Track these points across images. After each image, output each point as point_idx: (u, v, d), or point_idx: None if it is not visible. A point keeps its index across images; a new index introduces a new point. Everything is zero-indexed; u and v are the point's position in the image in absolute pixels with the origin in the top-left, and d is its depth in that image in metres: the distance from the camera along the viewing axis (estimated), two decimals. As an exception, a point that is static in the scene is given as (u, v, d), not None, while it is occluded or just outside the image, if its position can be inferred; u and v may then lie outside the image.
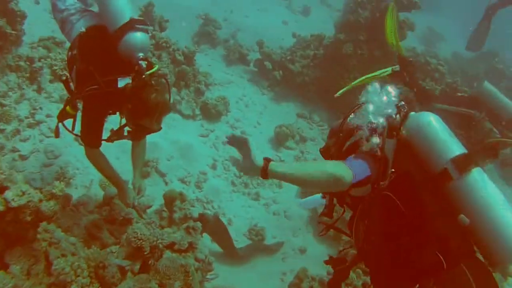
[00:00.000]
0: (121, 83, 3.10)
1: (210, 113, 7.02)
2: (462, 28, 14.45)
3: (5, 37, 5.39)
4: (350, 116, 2.32)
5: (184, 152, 6.18)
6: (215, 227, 4.85)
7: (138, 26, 3.16)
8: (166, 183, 5.65)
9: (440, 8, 16.36)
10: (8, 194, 2.83)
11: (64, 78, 3.38)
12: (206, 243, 4.78)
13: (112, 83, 3.10)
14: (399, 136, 2.12)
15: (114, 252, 3.37)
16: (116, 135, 3.38)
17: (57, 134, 3.52)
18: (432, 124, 2.12)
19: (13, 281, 2.82)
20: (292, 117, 7.89)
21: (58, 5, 3.49)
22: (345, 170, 1.95)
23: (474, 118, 4.75)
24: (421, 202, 2.01)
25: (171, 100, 3.35)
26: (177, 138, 6.33)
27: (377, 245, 2.10)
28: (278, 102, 8.20)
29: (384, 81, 2.28)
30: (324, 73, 8.09)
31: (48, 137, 5.10)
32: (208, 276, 4.02)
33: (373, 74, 2.80)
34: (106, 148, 3.40)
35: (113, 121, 3.47)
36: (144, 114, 3.04)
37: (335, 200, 2.42)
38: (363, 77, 3.19)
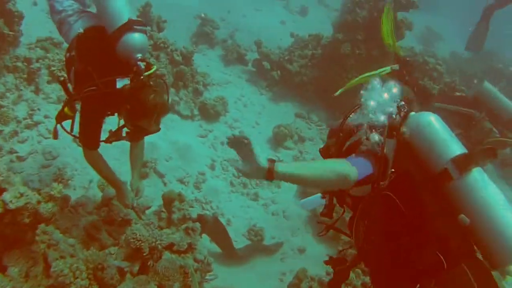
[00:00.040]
0: (120, 84, 3.09)
1: (209, 113, 7.02)
2: (460, 27, 14.48)
3: (2, 37, 5.38)
4: (351, 116, 2.32)
5: (182, 153, 6.17)
6: (214, 228, 4.84)
7: (136, 27, 3.15)
8: (165, 184, 5.65)
9: (438, 7, 16.39)
10: (6, 196, 2.83)
11: (62, 79, 3.37)
12: (205, 243, 4.78)
13: (110, 84, 3.09)
14: (399, 136, 2.12)
15: (113, 254, 3.37)
16: (115, 136, 3.37)
17: (55, 135, 3.51)
18: (432, 124, 2.12)
19: (11, 284, 2.81)
20: (290, 117, 7.89)
21: (56, 6, 3.47)
22: (350, 168, 1.94)
23: (474, 118, 4.75)
24: (421, 202, 2.00)
25: (169, 101, 3.35)
26: (175, 138, 6.32)
27: (377, 245, 2.10)
28: (276, 102, 8.19)
29: (383, 80, 2.27)
30: (322, 73, 8.09)
31: (46, 138, 5.09)
32: (207, 277, 4.02)
33: (372, 73, 2.80)
34: (105, 149, 3.39)
35: (112, 122, 3.46)
36: (143, 115, 3.03)
37: (335, 200, 2.41)
38: (362, 76, 3.19)
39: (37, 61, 5.62)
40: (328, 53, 8.07)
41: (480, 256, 2.03)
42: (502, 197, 1.98)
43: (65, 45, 3.53)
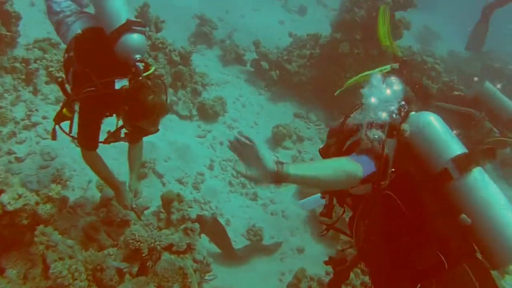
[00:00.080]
0: (118, 84, 3.08)
1: (207, 113, 7.01)
2: (458, 26, 14.51)
3: (0, 38, 5.36)
4: (351, 115, 2.31)
5: (181, 153, 6.16)
6: (213, 228, 4.84)
7: (135, 27, 3.14)
8: (164, 184, 5.64)
9: (436, 6, 16.40)
10: (4, 197, 2.82)
11: (60, 80, 3.36)
12: (204, 244, 4.77)
13: (109, 85, 3.08)
14: (399, 136, 2.11)
15: (112, 254, 3.36)
16: (113, 137, 3.36)
17: (54, 136, 3.50)
18: (432, 123, 2.11)
19: (9, 286, 2.81)
20: (289, 116, 7.89)
21: (53, 7, 3.46)
22: (356, 166, 1.92)
23: (474, 118, 4.76)
24: (421, 202, 2.00)
25: (168, 101, 3.34)
26: (174, 139, 6.31)
27: (377, 245, 2.09)
28: (275, 102, 8.19)
29: (385, 78, 2.25)
30: (320, 73, 8.09)
31: (44, 139, 5.07)
32: (206, 277, 4.01)
33: (371, 71, 2.79)
34: (103, 149, 3.38)
35: (110, 122, 3.45)
36: (142, 116, 3.02)
37: (334, 200, 2.41)
38: (362, 74, 3.18)
39: (35, 62, 5.60)
40: (326, 52, 8.07)
41: (480, 256, 2.02)
42: (502, 197, 1.98)
43: (63, 45, 3.52)
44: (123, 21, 3.11)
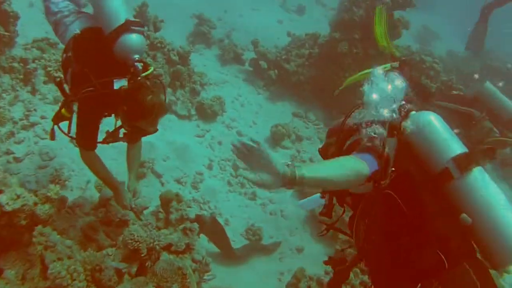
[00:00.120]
0: (117, 85, 3.08)
1: (206, 113, 7.00)
2: (457, 26, 14.53)
3: (-2, 38, 5.36)
4: (352, 115, 2.30)
5: (180, 153, 6.16)
6: (212, 228, 4.83)
7: (133, 27, 3.13)
8: (162, 184, 5.63)
9: (435, 6, 16.40)
10: (3, 198, 2.81)
11: (58, 80, 3.35)
12: (203, 243, 4.77)
13: (107, 85, 3.08)
14: (400, 136, 2.11)
15: (111, 255, 3.35)
16: (112, 137, 3.36)
17: (52, 136, 3.50)
18: (433, 123, 2.11)
19: (7, 287, 2.80)
20: (287, 116, 7.88)
21: (51, 7, 3.45)
22: (363, 164, 1.91)
23: (474, 117, 4.77)
24: (421, 202, 2.00)
25: (166, 101, 3.33)
26: (173, 138, 6.30)
27: (377, 244, 2.09)
28: (273, 101, 8.19)
29: (386, 75, 2.23)
30: (319, 72, 8.08)
31: (43, 139, 5.07)
32: (205, 277, 4.01)
33: (372, 69, 2.79)
34: (102, 149, 3.38)
35: (108, 122, 3.44)
36: (140, 116, 3.01)
37: (334, 200, 2.40)
38: (362, 73, 3.18)
39: (33, 62, 5.60)
40: (325, 52, 8.06)
41: (479, 256, 2.02)
42: (503, 196, 1.97)
43: (62, 45, 3.51)
44: (121, 21, 3.11)
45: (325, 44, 8.17)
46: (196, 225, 3.98)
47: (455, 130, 2.13)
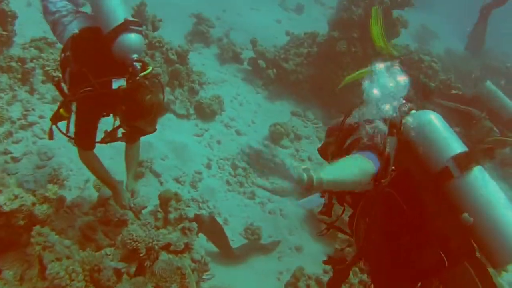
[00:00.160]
0: (115, 84, 3.07)
1: (205, 112, 6.99)
2: (455, 25, 14.54)
3: (-5, 37, 5.35)
4: (352, 114, 2.30)
5: (179, 152, 6.15)
6: (211, 227, 4.83)
7: (132, 27, 3.12)
8: (161, 183, 5.62)
9: (433, 6, 16.43)
10: (0, 198, 2.81)
11: (56, 79, 3.34)
12: (202, 243, 4.76)
13: (106, 85, 3.07)
14: (400, 135, 2.11)
15: (110, 255, 3.34)
16: (110, 136, 3.35)
17: (50, 136, 3.49)
18: (433, 122, 2.11)
19: (6, 287, 2.78)
20: (286, 115, 7.88)
21: (49, 7, 3.44)
22: (369, 163, 1.92)
23: (474, 117, 4.77)
24: (421, 201, 1.99)
25: (165, 100, 3.32)
26: (171, 138, 6.29)
27: (378, 243, 2.08)
28: (272, 100, 8.18)
29: (387, 71, 2.23)
30: (318, 71, 8.08)
31: (41, 138, 5.05)
32: (204, 277, 4.01)
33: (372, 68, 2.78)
34: (100, 148, 3.37)
35: (107, 122, 3.43)
36: (139, 116, 3.01)
37: (334, 199, 2.39)
38: (361, 71, 3.18)
39: (31, 61, 5.58)
40: (323, 51, 8.06)
41: (479, 255, 2.02)
42: (503, 195, 1.98)
43: (60, 45, 3.50)
44: (120, 20, 3.10)
45: (323, 43, 8.16)
46: (195, 224, 3.98)
47: (455, 129, 2.13)
